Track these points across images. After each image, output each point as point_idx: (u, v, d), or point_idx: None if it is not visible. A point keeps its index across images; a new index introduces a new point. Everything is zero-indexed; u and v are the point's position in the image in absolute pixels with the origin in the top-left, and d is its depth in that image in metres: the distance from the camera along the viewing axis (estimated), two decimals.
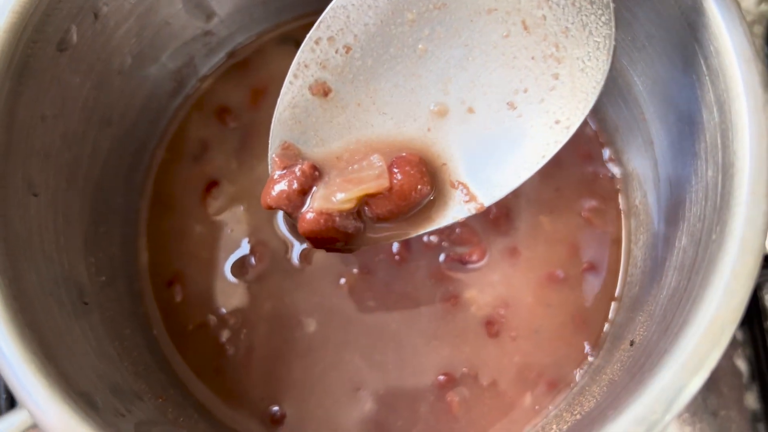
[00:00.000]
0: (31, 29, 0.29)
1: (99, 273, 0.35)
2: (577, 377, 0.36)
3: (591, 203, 0.39)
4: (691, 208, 0.29)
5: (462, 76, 0.29)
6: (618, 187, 0.39)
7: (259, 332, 0.38)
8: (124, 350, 0.34)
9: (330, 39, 0.29)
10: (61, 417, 0.25)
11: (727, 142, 0.26)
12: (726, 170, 0.26)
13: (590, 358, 0.37)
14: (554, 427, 0.34)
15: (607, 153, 0.40)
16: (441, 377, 0.37)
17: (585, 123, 0.40)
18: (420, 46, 0.29)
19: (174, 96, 0.41)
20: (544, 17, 0.28)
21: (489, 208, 0.37)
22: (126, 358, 0.33)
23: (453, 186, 0.30)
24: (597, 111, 0.40)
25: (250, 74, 0.42)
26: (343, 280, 0.38)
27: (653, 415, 0.23)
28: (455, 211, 0.31)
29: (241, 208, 0.40)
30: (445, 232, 0.38)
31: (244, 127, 0.41)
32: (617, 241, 0.39)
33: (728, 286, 0.24)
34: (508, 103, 0.29)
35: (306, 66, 0.30)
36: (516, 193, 0.39)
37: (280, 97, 0.30)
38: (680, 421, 0.43)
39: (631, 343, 0.32)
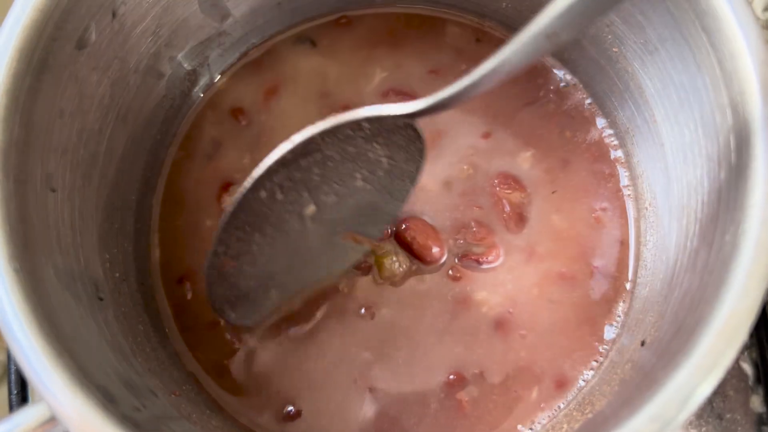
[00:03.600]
0: (52, 27, 0.29)
1: (113, 269, 0.35)
2: (587, 376, 0.37)
3: (602, 204, 0.40)
4: (704, 210, 0.30)
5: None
6: (628, 189, 0.40)
7: (270, 330, 0.38)
8: (137, 346, 0.34)
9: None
10: (80, 410, 0.25)
11: (741, 144, 0.26)
12: (740, 172, 0.26)
13: (600, 358, 0.37)
14: (565, 426, 0.34)
15: (617, 155, 0.40)
16: (451, 376, 0.37)
17: (595, 125, 0.41)
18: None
19: (188, 95, 0.41)
20: None
21: (502, 207, 0.38)
22: (139, 353, 0.34)
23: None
24: (607, 114, 0.40)
25: (263, 74, 0.42)
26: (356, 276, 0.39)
27: (668, 413, 0.23)
28: None
29: None
30: (461, 232, 0.39)
31: (256, 126, 0.42)
32: (627, 243, 0.39)
33: (743, 286, 0.24)
34: None
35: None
36: (529, 195, 0.39)
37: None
38: (686, 424, 0.43)
39: (642, 343, 0.32)
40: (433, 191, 0.40)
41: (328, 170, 0.32)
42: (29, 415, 0.25)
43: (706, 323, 0.24)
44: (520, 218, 0.39)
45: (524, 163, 0.40)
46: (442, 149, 0.40)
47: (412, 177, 0.35)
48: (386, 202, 0.35)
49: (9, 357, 0.44)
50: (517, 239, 0.39)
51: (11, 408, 0.41)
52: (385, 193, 0.35)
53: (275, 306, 0.37)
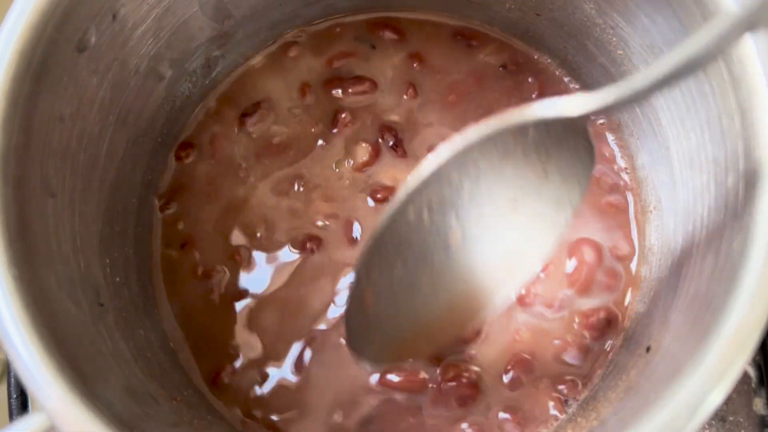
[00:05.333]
0: (52, 29, 0.28)
1: (114, 274, 0.35)
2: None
3: (603, 206, 0.39)
4: (710, 216, 0.29)
5: None
6: (631, 192, 0.39)
7: None
8: (138, 351, 0.33)
9: None
10: (80, 419, 0.24)
11: (749, 150, 0.26)
12: (748, 178, 0.26)
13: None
14: None
15: (620, 157, 0.40)
16: None
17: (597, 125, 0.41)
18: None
19: (189, 97, 0.41)
20: None
21: None
22: (140, 359, 0.33)
23: None
24: (612, 116, 0.40)
25: (265, 77, 0.42)
26: None
27: (677, 423, 0.23)
28: None
29: None
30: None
31: (260, 129, 0.41)
32: (630, 249, 0.39)
33: (752, 295, 0.23)
34: None
35: None
36: None
37: None
38: None
39: (648, 350, 0.32)
40: None
41: (479, 188, 0.27)
42: (28, 424, 0.25)
43: (715, 332, 0.24)
44: None
45: None
46: None
47: (573, 202, 0.28)
48: (535, 239, 0.29)
49: None
50: None
51: (11, 413, 0.41)
52: (537, 222, 0.28)
53: (408, 349, 0.31)
